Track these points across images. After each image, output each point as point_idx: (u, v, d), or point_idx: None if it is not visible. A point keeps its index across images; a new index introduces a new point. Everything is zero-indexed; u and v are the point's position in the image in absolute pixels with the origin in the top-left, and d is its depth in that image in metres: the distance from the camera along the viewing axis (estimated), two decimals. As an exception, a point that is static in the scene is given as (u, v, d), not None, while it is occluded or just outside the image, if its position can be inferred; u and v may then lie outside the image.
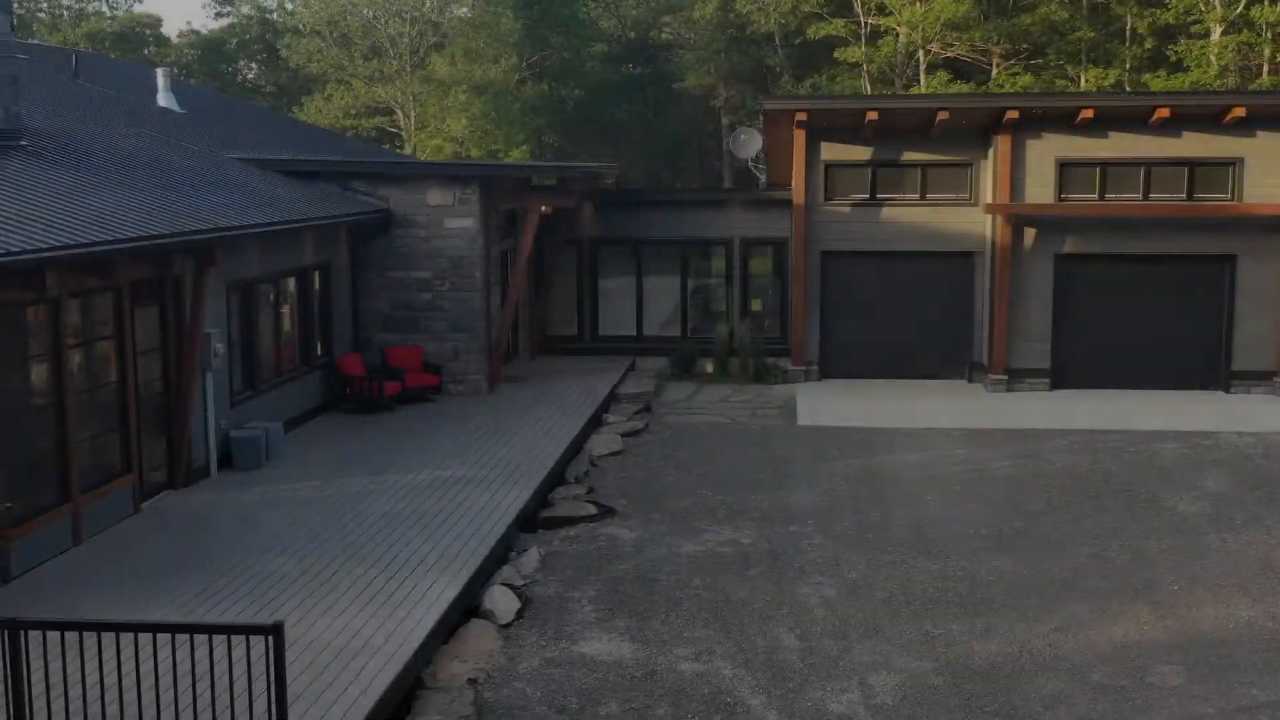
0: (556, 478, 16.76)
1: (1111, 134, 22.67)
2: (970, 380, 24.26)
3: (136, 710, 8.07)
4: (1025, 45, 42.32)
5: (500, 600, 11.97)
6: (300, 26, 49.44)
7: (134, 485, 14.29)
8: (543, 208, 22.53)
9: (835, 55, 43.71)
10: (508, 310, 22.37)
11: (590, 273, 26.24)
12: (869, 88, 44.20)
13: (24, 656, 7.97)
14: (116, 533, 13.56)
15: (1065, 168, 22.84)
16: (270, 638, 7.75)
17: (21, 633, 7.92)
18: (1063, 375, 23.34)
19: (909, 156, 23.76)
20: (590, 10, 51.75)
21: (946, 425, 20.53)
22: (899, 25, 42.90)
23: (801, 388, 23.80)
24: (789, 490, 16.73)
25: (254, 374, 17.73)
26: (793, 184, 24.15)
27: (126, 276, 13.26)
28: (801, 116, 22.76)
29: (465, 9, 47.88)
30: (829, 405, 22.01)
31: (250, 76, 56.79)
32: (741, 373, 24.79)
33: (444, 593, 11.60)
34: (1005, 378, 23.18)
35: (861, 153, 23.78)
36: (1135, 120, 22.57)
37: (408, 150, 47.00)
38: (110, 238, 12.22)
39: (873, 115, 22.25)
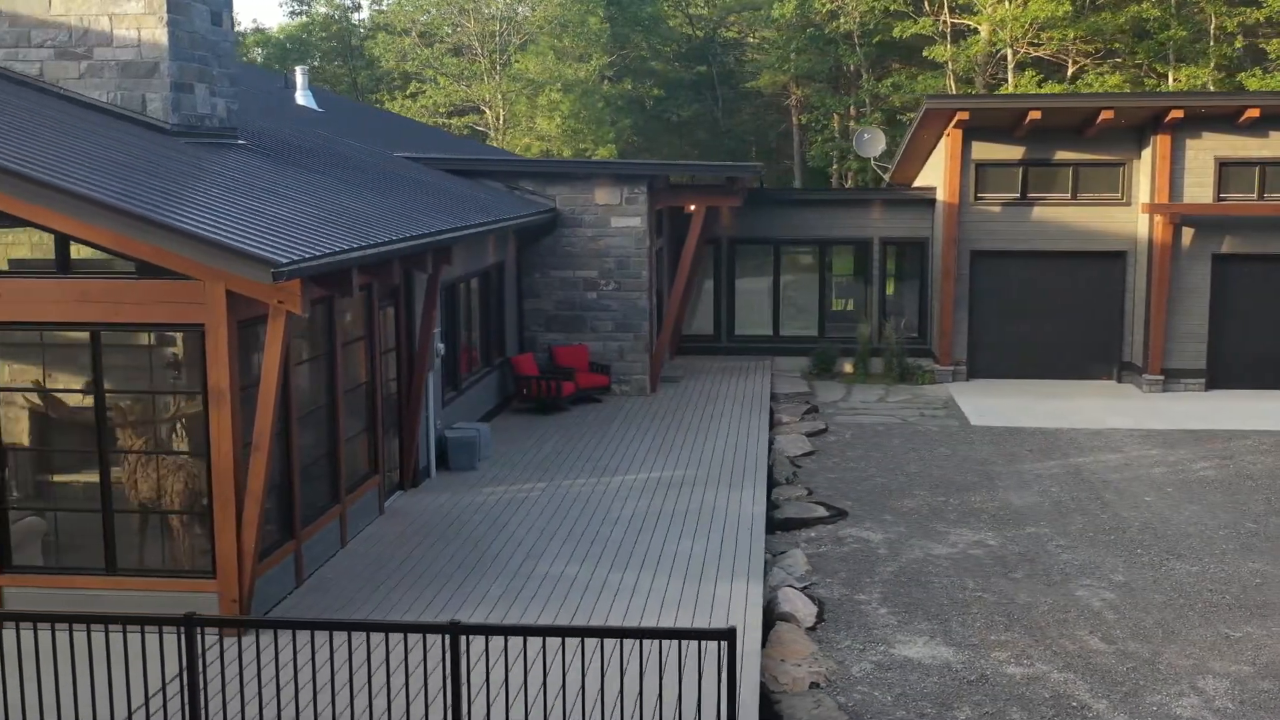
0: (769, 478, 16.71)
1: (1271, 133, 22.58)
2: (1119, 380, 24.18)
3: (580, 713, 8.03)
4: (1117, 44, 42.21)
5: (797, 603, 11.91)
6: (392, 26, 49.41)
7: (379, 487, 14.25)
8: (693, 207, 22.45)
9: (924, 54, 43.63)
10: (671, 309, 22.31)
11: (728, 272, 26.15)
12: (953, 87, 44.11)
13: (465, 660, 7.95)
14: (372, 534, 13.51)
15: (1224, 167, 22.75)
16: (724, 642, 7.71)
17: (463, 637, 7.89)
18: (1219, 375, 23.26)
19: (1061, 156, 23.68)
20: (663, 8, 51.78)
21: (1122, 426, 20.44)
22: (982, 24, 42.80)
23: (953, 388, 23.74)
24: (1003, 491, 16.65)
25: (456, 375, 17.71)
26: (944, 184, 24.07)
27: (392, 276, 13.20)
28: (963, 116, 22.65)
29: (543, 7, 47.78)
30: (992, 405, 21.94)
31: (323, 75, 56.68)
32: (886, 373, 24.74)
33: (749, 595, 11.54)
34: (1161, 378, 23.09)
35: (1013, 152, 23.71)
36: (1296, 119, 22.50)
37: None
38: (395, 237, 12.17)
39: (1035, 114, 22.16)
